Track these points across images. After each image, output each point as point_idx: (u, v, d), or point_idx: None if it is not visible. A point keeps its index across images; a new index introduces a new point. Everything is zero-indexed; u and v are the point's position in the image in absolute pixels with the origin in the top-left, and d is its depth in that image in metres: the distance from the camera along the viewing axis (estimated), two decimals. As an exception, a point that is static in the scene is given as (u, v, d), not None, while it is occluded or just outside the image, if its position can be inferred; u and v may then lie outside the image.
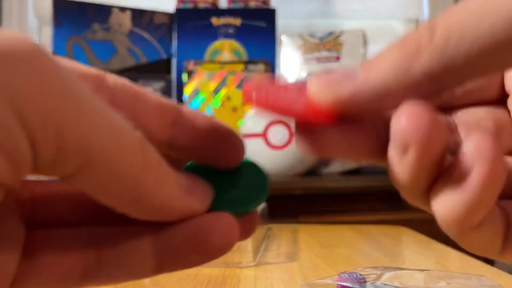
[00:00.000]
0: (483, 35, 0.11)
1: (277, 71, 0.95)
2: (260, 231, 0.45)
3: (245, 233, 0.16)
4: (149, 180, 0.12)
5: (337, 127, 0.14)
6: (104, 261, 0.14)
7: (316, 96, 0.13)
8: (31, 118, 0.10)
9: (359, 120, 0.14)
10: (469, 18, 0.11)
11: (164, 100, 0.16)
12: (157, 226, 0.14)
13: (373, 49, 1.11)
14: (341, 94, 0.13)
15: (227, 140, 0.16)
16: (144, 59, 0.93)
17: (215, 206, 0.15)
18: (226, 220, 0.14)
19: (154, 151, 0.13)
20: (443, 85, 0.12)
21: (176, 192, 0.14)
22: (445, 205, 0.13)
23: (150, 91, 0.16)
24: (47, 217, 0.15)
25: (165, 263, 0.14)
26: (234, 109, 0.89)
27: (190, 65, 0.89)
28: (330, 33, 0.94)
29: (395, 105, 0.12)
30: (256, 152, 0.77)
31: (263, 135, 0.75)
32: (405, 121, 0.12)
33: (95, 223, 0.15)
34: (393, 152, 0.13)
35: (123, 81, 0.16)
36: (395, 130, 0.12)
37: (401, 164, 0.13)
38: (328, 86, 0.13)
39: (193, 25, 0.93)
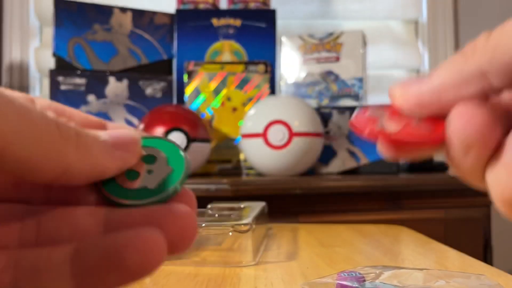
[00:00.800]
0: None
1: (277, 71, 0.95)
2: (260, 230, 0.45)
3: (181, 242, 0.14)
4: (70, 148, 0.13)
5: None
6: (21, 284, 0.14)
7: (394, 98, 0.16)
8: None
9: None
10: None
11: (91, 117, 0.17)
12: (76, 242, 0.14)
13: (372, 49, 1.12)
14: (409, 93, 0.15)
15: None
16: (144, 60, 0.93)
17: (112, 191, 0.16)
18: (146, 236, 0.13)
19: (68, 124, 0.13)
20: (491, 84, 0.14)
21: (102, 150, 0.14)
22: (499, 185, 0.14)
23: (77, 111, 0.17)
24: None
25: (84, 283, 0.13)
26: (234, 109, 0.89)
27: (191, 66, 0.90)
28: (330, 34, 0.94)
29: (453, 103, 0.14)
30: (256, 152, 0.77)
31: (263, 135, 0.76)
32: (462, 122, 0.14)
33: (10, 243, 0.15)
34: (453, 151, 0.15)
35: (50, 103, 0.17)
36: (453, 130, 0.14)
37: (462, 161, 0.15)
38: (402, 88, 0.16)
39: (194, 26, 0.93)
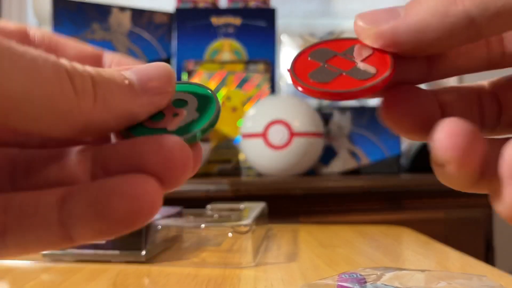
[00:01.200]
0: None
1: (277, 71, 0.95)
2: (260, 231, 0.45)
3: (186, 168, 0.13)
4: (87, 106, 0.12)
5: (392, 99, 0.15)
6: (10, 228, 0.13)
7: (360, 31, 0.14)
8: None
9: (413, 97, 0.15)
10: None
11: (85, 46, 0.16)
12: (64, 189, 0.13)
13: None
14: (382, 29, 0.14)
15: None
16: (143, 59, 0.92)
17: (136, 131, 0.14)
18: (135, 182, 0.12)
19: (83, 73, 0.12)
20: (478, 32, 0.13)
21: (126, 98, 0.13)
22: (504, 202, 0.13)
23: (71, 39, 0.16)
24: None
25: (72, 231, 0.13)
26: (234, 109, 0.89)
27: (190, 65, 0.89)
28: (330, 33, 0.94)
29: (432, 49, 0.13)
30: (256, 152, 0.77)
31: (263, 135, 0.75)
32: (444, 139, 0.13)
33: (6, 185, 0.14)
34: (434, 163, 0.13)
35: (44, 32, 0.16)
36: (434, 146, 0.13)
37: (443, 172, 0.13)
38: (371, 21, 0.14)
39: (193, 25, 0.93)
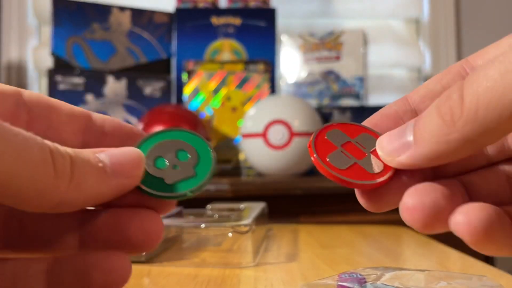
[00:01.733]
0: (508, 105, 0.13)
1: (277, 71, 0.95)
2: (260, 231, 0.45)
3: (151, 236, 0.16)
4: (63, 186, 0.13)
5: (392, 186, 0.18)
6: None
7: (385, 160, 0.17)
8: None
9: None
10: (493, 89, 0.13)
11: (76, 108, 0.18)
12: (53, 258, 0.15)
13: (373, 49, 1.11)
14: (402, 161, 0.16)
15: (131, 137, 0.18)
16: (143, 59, 0.92)
17: (145, 183, 0.16)
18: (112, 259, 0.15)
19: (63, 154, 0.13)
20: (478, 146, 0.15)
21: (98, 181, 0.14)
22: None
23: (63, 103, 0.18)
24: None
25: None
26: (234, 109, 0.89)
27: (190, 65, 0.89)
28: (330, 33, 0.94)
29: (448, 161, 0.16)
30: (256, 152, 0.77)
31: (263, 135, 0.75)
32: (407, 207, 0.15)
33: None
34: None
35: (38, 95, 0.17)
36: (400, 210, 0.16)
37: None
38: (390, 154, 0.17)
39: (193, 25, 0.93)
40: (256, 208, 0.47)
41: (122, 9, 0.91)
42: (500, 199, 0.17)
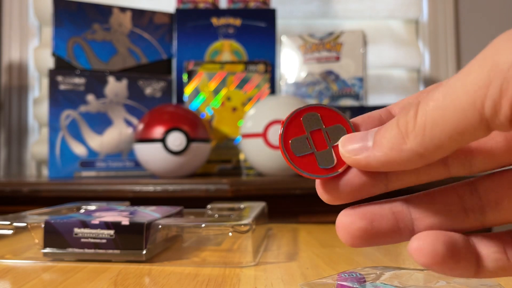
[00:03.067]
0: (446, 127, 0.15)
1: (277, 71, 0.95)
2: (260, 231, 0.45)
3: None
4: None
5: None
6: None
7: (343, 156, 0.19)
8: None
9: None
10: (437, 110, 0.15)
11: None
12: None
13: (373, 49, 1.12)
14: (359, 161, 0.18)
15: None
16: (144, 59, 0.93)
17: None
18: None
19: None
20: (426, 159, 0.16)
21: None
22: None
23: None
24: None
25: None
26: (234, 109, 0.89)
27: (190, 65, 0.89)
28: (330, 33, 0.94)
29: (395, 170, 0.17)
30: (256, 152, 0.77)
31: (263, 135, 0.75)
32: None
33: None
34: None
35: None
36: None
37: None
38: (350, 151, 0.18)
39: (193, 25, 0.93)
40: (256, 207, 0.48)
41: (122, 9, 0.92)
42: (444, 223, 0.19)
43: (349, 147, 0.18)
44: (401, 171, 0.19)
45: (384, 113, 0.20)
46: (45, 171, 1.10)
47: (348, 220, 0.19)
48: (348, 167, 0.19)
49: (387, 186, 0.19)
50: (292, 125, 0.19)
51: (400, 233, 0.19)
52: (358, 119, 0.20)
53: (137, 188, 0.67)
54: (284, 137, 0.19)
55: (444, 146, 0.15)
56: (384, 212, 0.19)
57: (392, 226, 0.19)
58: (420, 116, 0.16)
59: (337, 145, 0.19)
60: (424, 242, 0.17)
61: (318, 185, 0.20)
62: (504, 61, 0.14)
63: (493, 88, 0.14)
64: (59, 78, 0.86)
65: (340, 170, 0.19)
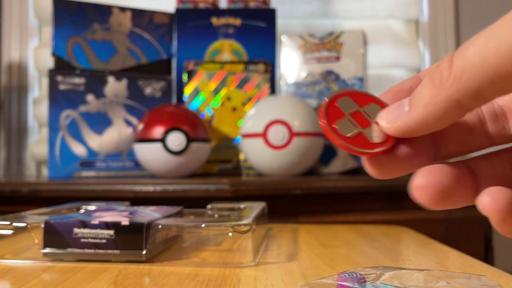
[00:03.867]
0: (488, 71, 0.14)
1: (277, 71, 0.95)
2: (260, 231, 0.45)
3: None
4: None
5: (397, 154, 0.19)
6: None
7: (384, 128, 0.19)
8: None
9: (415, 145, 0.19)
10: (477, 55, 0.15)
11: None
12: None
13: (373, 49, 1.11)
14: (397, 127, 0.18)
15: None
16: (144, 59, 0.93)
17: None
18: None
19: None
20: (465, 108, 0.16)
21: None
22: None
23: None
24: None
25: None
26: (234, 109, 0.89)
27: (190, 65, 0.89)
28: (330, 33, 0.94)
29: (439, 126, 0.17)
30: (256, 152, 0.77)
31: (263, 135, 0.75)
32: (417, 186, 0.18)
33: None
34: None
35: None
36: (411, 189, 0.18)
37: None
38: (389, 121, 0.18)
39: (193, 25, 0.93)
40: (256, 207, 0.47)
41: (122, 9, 0.92)
42: (504, 184, 0.18)
43: (388, 117, 0.18)
44: (445, 140, 0.19)
45: (414, 82, 0.20)
46: (45, 171, 1.10)
47: (426, 180, 0.18)
48: (397, 141, 0.19)
49: (435, 156, 0.19)
50: (330, 111, 0.20)
51: (470, 192, 0.19)
52: (387, 94, 0.20)
53: (137, 188, 0.67)
54: (328, 122, 0.20)
55: (484, 92, 0.15)
56: (456, 171, 0.19)
57: (465, 184, 0.18)
58: (457, 62, 0.15)
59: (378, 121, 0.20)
60: (496, 196, 0.17)
61: (367, 162, 0.20)
62: None
63: None
64: (59, 78, 0.86)
65: (389, 144, 0.19)
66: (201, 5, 0.95)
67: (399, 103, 0.18)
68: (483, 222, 0.75)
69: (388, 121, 0.18)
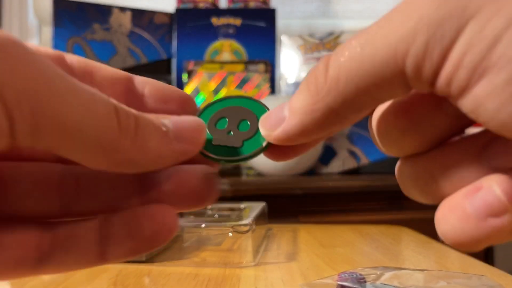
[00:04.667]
0: (364, 78, 0.13)
1: (277, 71, 0.95)
2: (260, 231, 0.45)
3: (203, 198, 0.16)
4: (126, 143, 0.13)
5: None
6: (57, 247, 0.15)
7: (265, 136, 0.17)
8: (8, 97, 0.11)
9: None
10: (353, 61, 0.13)
11: (118, 71, 0.17)
12: (105, 213, 0.15)
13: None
14: (277, 136, 0.16)
15: (174, 99, 0.18)
16: (144, 59, 0.93)
17: (207, 148, 0.17)
18: (163, 210, 0.15)
19: (128, 113, 0.14)
20: (342, 117, 0.15)
21: (161, 143, 0.15)
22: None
23: (104, 65, 0.17)
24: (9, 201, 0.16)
25: (107, 251, 0.15)
26: (234, 109, 0.89)
27: (190, 65, 0.89)
28: (330, 33, 0.94)
29: (321, 134, 0.16)
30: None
31: (263, 135, 0.75)
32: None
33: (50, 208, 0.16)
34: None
35: (78, 58, 0.17)
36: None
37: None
38: (268, 128, 0.17)
39: (193, 25, 0.93)
40: (256, 208, 0.47)
41: (122, 9, 0.92)
42: None
43: (267, 125, 0.17)
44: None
45: None
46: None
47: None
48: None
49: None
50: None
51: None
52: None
53: (137, 188, 0.67)
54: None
55: (360, 101, 0.14)
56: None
57: None
58: (332, 68, 0.14)
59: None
60: None
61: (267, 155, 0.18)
62: (433, 16, 0.12)
63: (418, 44, 0.12)
64: (59, 78, 0.86)
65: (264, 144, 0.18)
66: (201, 5, 0.95)
67: (279, 107, 0.16)
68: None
69: (267, 129, 0.17)
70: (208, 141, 0.17)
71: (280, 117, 0.16)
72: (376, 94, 0.14)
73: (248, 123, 0.18)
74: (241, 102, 0.19)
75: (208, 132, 0.18)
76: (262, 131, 0.17)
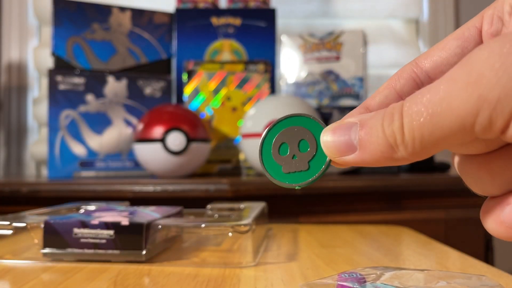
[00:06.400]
0: (435, 140, 0.16)
1: (277, 71, 0.95)
2: (260, 231, 0.45)
3: None
4: None
5: None
6: None
7: (330, 156, 0.19)
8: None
9: None
10: (425, 128, 0.16)
11: None
12: None
13: (373, 49, 1.11)
14: (347, 161, 0.18)
15: None
16: (144, 59, 0.93)
17: (279, 178, 0.19)
18: None
19: None
20: (420, 158, 0.17)
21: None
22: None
23: None
24: None
25: None
26: (234, 109, 0.89)
27: (190, 65, 0.89)
28: (330, 33, 0.94)
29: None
30: (256, 152, 0.77)
31: (263, 135, 0.75)
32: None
33: None
34: None
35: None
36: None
37: None
38: (337, 152, 0.18)
39: (193, 25, 0.93)
40: (256, 208, 0.47)
41: (122, 9, 0.92)
42: None
43: (332, 144, 0.19)
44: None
45: (361, 112, 0.21)
46: (44, 171, 1.10)
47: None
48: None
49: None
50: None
51: None
52: (360, 109, 0.21)
53: (137, 188, 0.67)
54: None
55: (432, 152, 0.17)
56: None
57: None
58: (407, 131, 0.16)
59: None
60: None
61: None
62: (492, 95, 0.15)
63: (482, 117, 0.15)
64: (59, 78, 0.85)
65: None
66: (201, 5, 0.95)
67: (344, 128, 0.18)
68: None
69: (335, 154, 0.19)
70: (279, 170, 0.19)
71: (349, 145, 0.18)
72: (447, 146, 0.17)
73: (307, 142, 0.19)
74: (294, 122, 0.20)
75: (275, 161, 0.19)
76: (330, 155, 0.19)
